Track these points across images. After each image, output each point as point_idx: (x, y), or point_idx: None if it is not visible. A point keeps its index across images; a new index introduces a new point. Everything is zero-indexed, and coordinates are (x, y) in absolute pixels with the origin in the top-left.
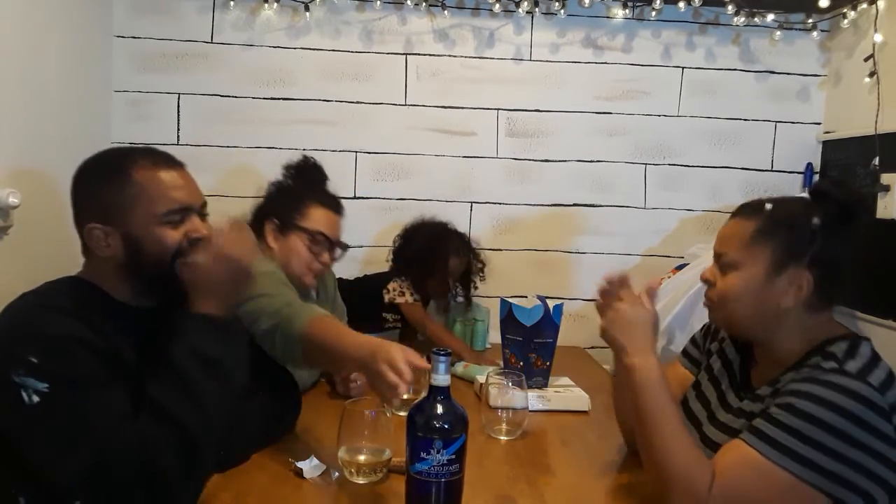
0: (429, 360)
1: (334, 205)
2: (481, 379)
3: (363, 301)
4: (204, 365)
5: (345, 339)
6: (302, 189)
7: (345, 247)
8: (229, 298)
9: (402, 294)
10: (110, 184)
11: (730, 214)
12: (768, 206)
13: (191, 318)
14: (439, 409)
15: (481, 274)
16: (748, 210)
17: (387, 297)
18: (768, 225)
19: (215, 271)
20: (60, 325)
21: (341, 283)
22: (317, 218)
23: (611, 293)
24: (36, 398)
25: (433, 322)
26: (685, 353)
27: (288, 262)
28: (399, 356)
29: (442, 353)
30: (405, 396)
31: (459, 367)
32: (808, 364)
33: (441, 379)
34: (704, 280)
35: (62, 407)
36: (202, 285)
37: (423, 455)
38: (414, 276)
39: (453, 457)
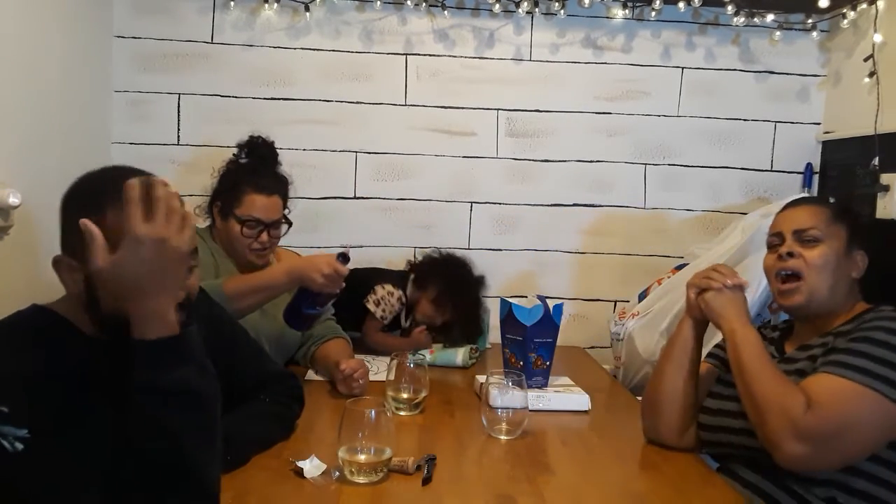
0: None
1: (269, 187)
2: (458, 359)
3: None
4: (162, 398)
5: (265, 273)
6: (240, 176)
7: (288, 223)
8: (169, 290)
9: (378, 304)
10: (81, 217)
11: (787, 204)
12: (832, 199)
13: (136, 348)
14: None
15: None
16: (814, 200)
17: (370, 295)
18: (841, 210)
19: (153, 258)
20: (23, 364)
21: None
22: (249, 203)
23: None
24: (20, 445)
25: (377, 334)
26: (713, 355)
27: (231, 243)
28: (330, 264)
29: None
30: (405, 395)
31: (428, 357)
32: (862, 318)
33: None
34: (788, 253)
35: (51, 447)
36: (142, 282)
37: (308, 304)
38: (414, 293)
39: (321, 308)
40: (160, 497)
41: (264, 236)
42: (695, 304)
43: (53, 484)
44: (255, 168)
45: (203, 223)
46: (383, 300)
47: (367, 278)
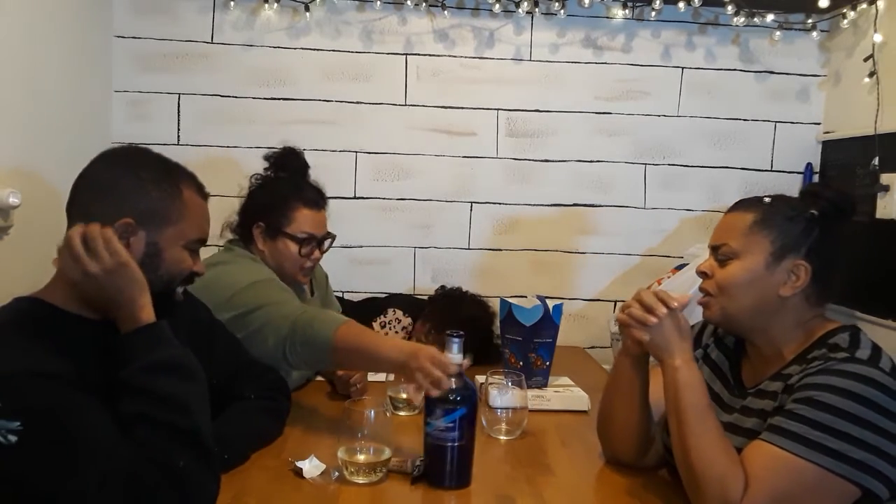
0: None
1: (317, 200)
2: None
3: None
4: (165, 372)
5: (381, 343)
6: (284, 190)
7: (333, 237)
8: (138, 297)
9: (383, 326)
10: (163, 189)
11: (726, 211)
12: (766, 199)
13: (128, 338)
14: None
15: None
16: (746, 203)
17: (379, 318)
18: (768, 215)
19: (107, 284)
20: (14, 360)
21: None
22: (302, 220)
23: (649, 303)
24: (13, 437)
25: None
26: None
27: (280, 264)
28: (439, 354)
29: (455, 335)
30: (404, 395)
31: None
32: (813, 357)
33: (453, 357)
34: (701, 272)
35: (46, 437)
36: (112, 301)
37: (428, 419)
38: (424, 320)
39: (451, 425)
40: (175, 461)
41: (317, 253)
42: (633, 344)
43: (50, 470)
44: (298, 182)
45: (222, 239)
46: (389, 324)
47: (386, 304)
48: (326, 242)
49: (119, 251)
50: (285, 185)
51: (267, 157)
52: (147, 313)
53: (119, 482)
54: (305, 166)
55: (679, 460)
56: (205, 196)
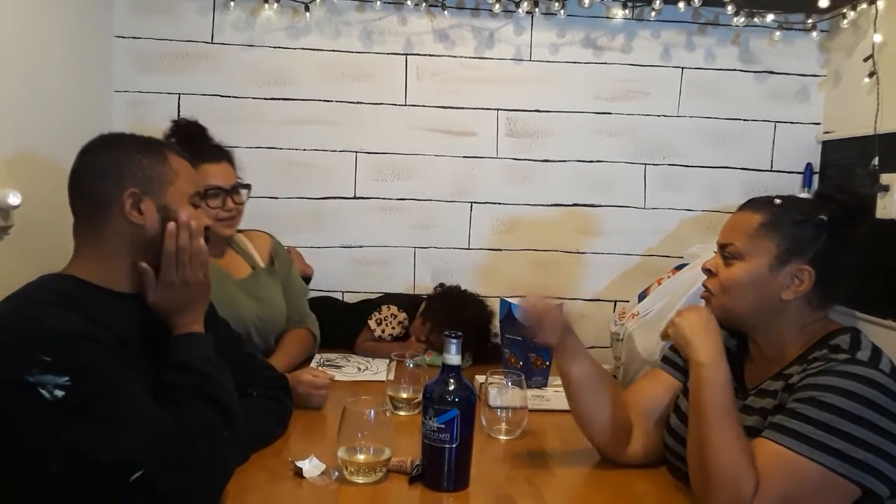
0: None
1: (217, 154)
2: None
3: (355, 320)
4: (210, 364)
5: None
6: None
7: (246, 186)
8: (201, 311)
9: (379, 323)
10: (151, 157)
11: (736, 209)
12: (777, 200)
13: (184, 339)
14: (441, 384)
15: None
16: (756, 203)
17: (375, 315)
18: (776, 218)
19: (183, 295)
20: (61, 321)
21: (338, 303)
22: (202, 174)
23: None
24: (60, 392)
25: (367, 342)
26: (667, 360)
27: None
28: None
29: (453, 335)
30: (404, 395)
31: (428, 359)
32: (814, 357)
33: (450, 358)
34: (706, 269)
35: (92, 392)
36: (178, 309)
37: (423, 419)
38: (424, 319)
39: (443, 426)
40: (220, 430)
41: (229, 202)
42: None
43: (94, 425)
44: (192, 142)
45: None
46: (385, 321)
47: (380, 302)
48: (244, 193)
49: (205, 274)
50: (186, 149)
51: (166, 136)
52: (200, 324)
53: (163, 442)
54: (202, 130)
55: (693, 456)
56: (186, 157)
